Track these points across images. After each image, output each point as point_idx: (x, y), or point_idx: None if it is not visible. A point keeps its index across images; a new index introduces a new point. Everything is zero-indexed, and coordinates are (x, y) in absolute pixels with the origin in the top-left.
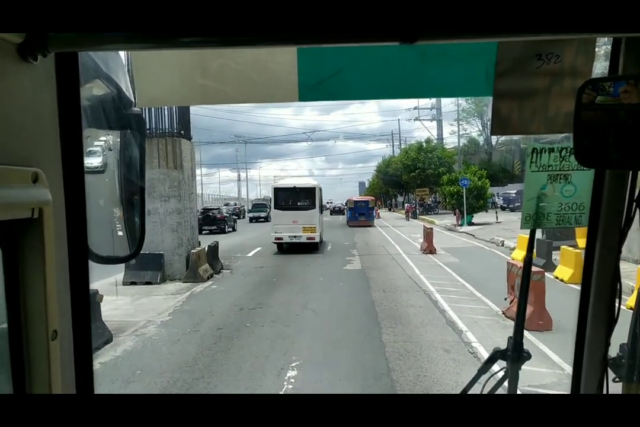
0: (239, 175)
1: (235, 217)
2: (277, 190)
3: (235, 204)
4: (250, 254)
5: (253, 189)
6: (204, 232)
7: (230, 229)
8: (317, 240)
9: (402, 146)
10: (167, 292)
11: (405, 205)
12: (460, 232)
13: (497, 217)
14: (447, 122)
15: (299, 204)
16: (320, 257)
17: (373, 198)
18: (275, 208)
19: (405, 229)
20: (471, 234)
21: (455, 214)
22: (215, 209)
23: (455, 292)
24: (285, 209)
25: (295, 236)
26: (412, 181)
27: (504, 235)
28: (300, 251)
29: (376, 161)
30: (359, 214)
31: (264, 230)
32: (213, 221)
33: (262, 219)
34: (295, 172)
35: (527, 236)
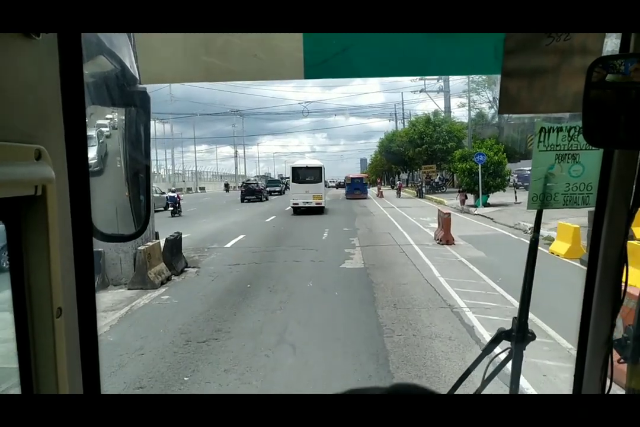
0: (236, 151)
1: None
2: (294, 169)
3: (255, 180)
4: (229, 244)
5: (254, 167)
6: (245, 200)
7: (265, 199)
8: (323, 205)
9: (406, 121)
10: (100, 307)
11: (397, 182)
12: (476, 214)
13: (515, 197)
14: (455, 94)
15: (308, 179)
16: (314, 253)
17: (367, 175)
18: (293, 182)
19: (412, 211)
20: (489, 217)
21: (458, 197)
22: (254, 183)
23: (496, 310)
24: (300, 183)
25: (307, 202)
26: (418, 157)
27: (531, 219)
28: (295, 235)
29: (378, 137)
30: (355, 189)
31: (282, 199)
32: (253, 192)
33: (277, 193)
34: (296, 148)
35: (570, 225)
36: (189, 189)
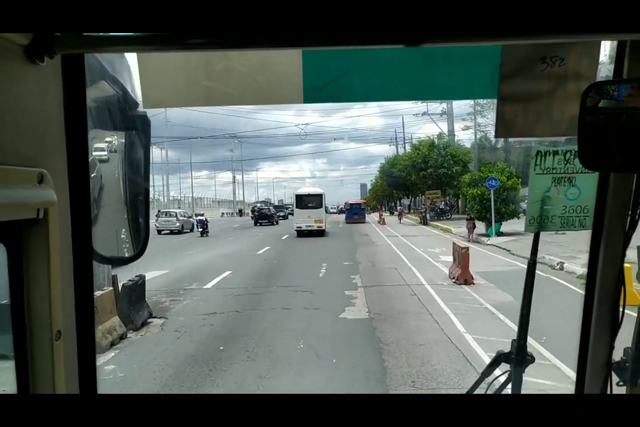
0: (234, 177)
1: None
2: (297, 196)
3: (262, 205)
4: (210, 285)
5: (253, 192)
6: (257, 224)
7: (276, 223)
8: (323, 228)
9: (407, 145)
10: None
11: (399, 208)
12: (489, 245)
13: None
14: (458, 117)
15: (311, 204)
16: (309, 297)
17: (365, 201)
18: (296, 207)
19: (418, 241)
20: (505, 249)
21: (467, 225)
22: (266, 208)
23: (555, 391)
24: (303, 208)
25: (309, 226)
26: (421, 182)
27: (556, 252)
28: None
29: (378, 162)
30: (354, 213)
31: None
32: (265, 217)
33: (282, 217)
34: (296, 173)
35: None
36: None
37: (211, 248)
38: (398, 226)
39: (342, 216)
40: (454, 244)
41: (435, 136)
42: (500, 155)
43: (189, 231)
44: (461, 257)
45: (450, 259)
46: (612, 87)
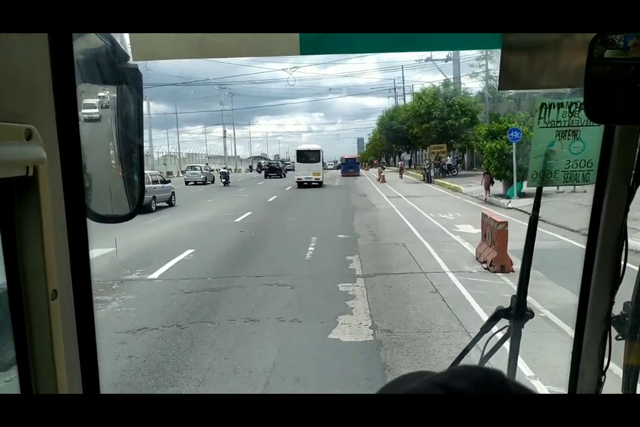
0: (225, 130)
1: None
2: (298, 151)
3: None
4: (154, 274)
5: (250, 147)
6: (267, 177)
7: (284, 176)
8: (321, 180)
9: (407, 97)
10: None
11: (399, 163)
12: (510, 208)
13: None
14: (465, 61)
15: (310, 159)
16: (287, 296)
17: (359, 156)
18: (297, 162)
19: (425, 203)
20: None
21: (482, 181)
22: (275, 162)
23: None
24: (303, 162)
25: (309, 178)
26: (425, 135)
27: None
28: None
29: (376, 116)
30: (349, 167)
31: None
32: (275, 170)
33: (276, 175)
34: (293, 127)
35: None
36: (183, 172)
37: (233, 195)
38: (400, 184)
39: (339, 172)
40: (483, 216)
41: (441, 84)
42: (511, 106)
43: (210, 182)
44: (496, 236)
45: (469, 228)
46: (618, 37)
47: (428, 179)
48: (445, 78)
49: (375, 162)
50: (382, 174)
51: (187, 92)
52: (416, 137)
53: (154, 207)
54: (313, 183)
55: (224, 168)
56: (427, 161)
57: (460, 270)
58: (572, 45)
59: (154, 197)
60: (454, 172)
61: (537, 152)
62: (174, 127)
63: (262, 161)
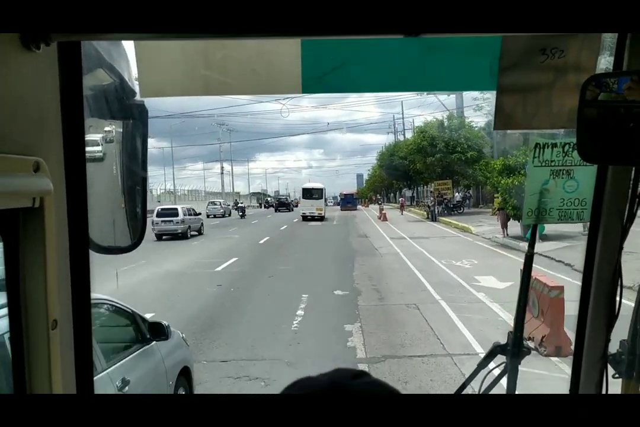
0: (222, 167)
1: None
2: (304, 189)
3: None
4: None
5: (251, 183)
6: (278, 211)
7: (292, 210)
8: (323, 214)
9: (407, 133)
10: None
11: (400, 199)
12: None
13: (583, 226)
14: (467, 96)
15: (314, 196)
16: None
17: (356, 192)
18: (303, 198)
19: (434, 245)
20: (562, 261)
21: (498, 218)
22: (284, 197)
23: None
24: (308, 199)
25: (312, 212)
26: (428, 170)
27: None
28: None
29: (375, 152)
30: (347, 202)
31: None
32: (284, 205)
33: (285, 209)
34: (293, 164)
35: None
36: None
37: (249, 225)
38: (402, 223)
39: (338, 207)
40: (532, 279)
41: (445, 117)
42: (519, 140)
43: (228, 215)
44: (548, 305)
45: (493, 281)
46: (612, 80)
47: (433, 217)
48: (447, 111)
49: (374, 198)
50: (383, 212)
51: (187, 127)
52: (418, 172)
53: (189, 235)
54: (316, 217)
55: (241, 203)
56: (431, 198)
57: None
58: (566, 87)
59: (189, 226)
60: (460, 209)
61: (532, 191)
62: (175, 163)
63: (270, 198)
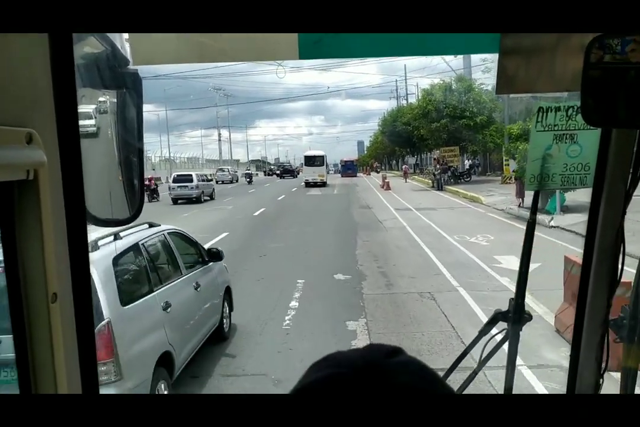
0: (219, 134)
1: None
2: (306, 157)
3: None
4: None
5: (251, 150)
6: (282, 177)
7: (296, 176)
8: (325, 180)
9: (410, 98)
10: None
11: (403, 167)
12: (554, 228)
13: None
14: (476, 57)
15: (315, 163)
16: None
17: (356, 159)
18: (305, 165)
19: (442, 218)
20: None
21: (516, 187)
22: (288, 165)
23: None
24: (310, 166)
25: (314, 179)
26: (434, 136)
27: None
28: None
29: (377, 118)
30: (347, 169)
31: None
32: (288, 171)
33: (290, 176)
34: (293, 130)
35: None
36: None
37: (256, 188)
38: (407, 192)
39: (339, 175)
40: (567, 261)
41: (453, 79)
42: (530, 104)
43: (236, 181)
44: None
45: (516, 262)
46: (615, 42)
47: (439, 186)
48: (454, 74)
49: (374, 166)
50: (386, 180)
51: (185, 92)
52: (422, 139)
53: (202, 199)
54: (318, 183)
55: (248, 170)
56: (437, 165)
57: (541, 362)
58: (569, 49)
59: (202, 191)
60: (467, 178)
61: (535, 156)
62: (174, 130)
63: (273, 166)
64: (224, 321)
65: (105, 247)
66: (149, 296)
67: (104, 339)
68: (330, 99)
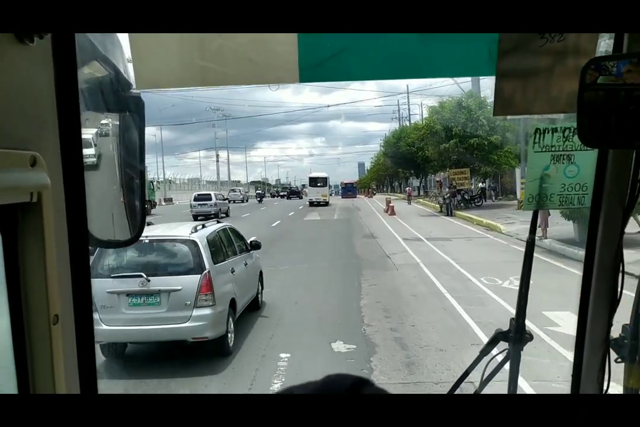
0: (217, 155)
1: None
2: (310, 178)
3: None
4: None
5: (252, 172)
6: (289, 198)
7: (302, 198)
8: (327, 200)
9: (412, 119)
10: None
11: (407, 189)
12: None
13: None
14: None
15: (318, 184)
16: None
17: (356, 181)
18: (309, 186)
19: (461, 251)
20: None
21: (540, 214)
22: (294, 187)
23: None
24: (314, 187)
25: (318, 199)
26: (441, 157)
27: None
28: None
29: (378, 140)
30: (348, 191)
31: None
32: (295, 193)
33: (296, 197)
34: (294, 151)
35: None
36: (167, 200)
37: (267, 206)
38: (413, 217)
39: (339, 197)
40: None
41: (463, 95)
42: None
43: (246, 201)
44: None
45: (573, 322)
46: (611, 63)
47: (448, 212)
48: (462, 91)
49: (373, 188)
50: (390, 204)
51: (187, 113)
52: (428, 160)
53: (220, 216)
54: (321, 203)
55: (259, 190)
56: (446, 189)
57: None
58: (565, 71)
59: (220, 209)
60: (479, 202)
61: (532, 176)
62: (175, 151)
63: (278, 188)
64: (259, 296)
65: (197, 233)
66: (224, 262)
67: (207, 280)
68: (331, 120)
